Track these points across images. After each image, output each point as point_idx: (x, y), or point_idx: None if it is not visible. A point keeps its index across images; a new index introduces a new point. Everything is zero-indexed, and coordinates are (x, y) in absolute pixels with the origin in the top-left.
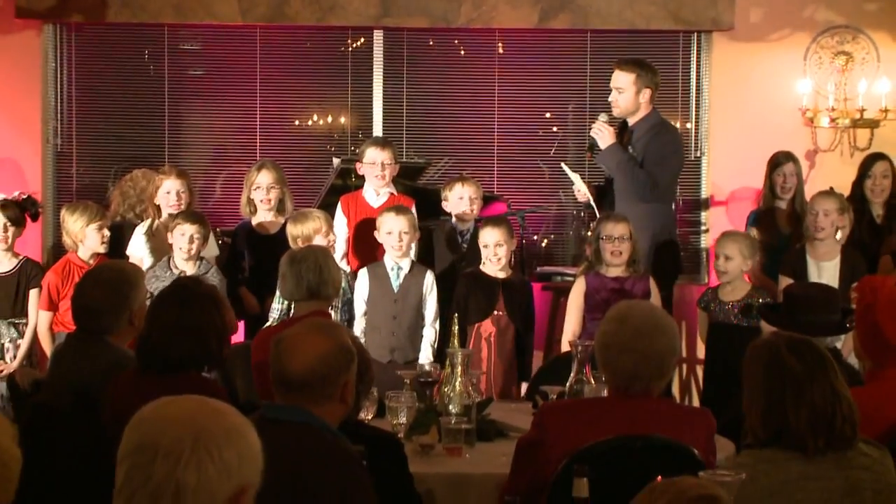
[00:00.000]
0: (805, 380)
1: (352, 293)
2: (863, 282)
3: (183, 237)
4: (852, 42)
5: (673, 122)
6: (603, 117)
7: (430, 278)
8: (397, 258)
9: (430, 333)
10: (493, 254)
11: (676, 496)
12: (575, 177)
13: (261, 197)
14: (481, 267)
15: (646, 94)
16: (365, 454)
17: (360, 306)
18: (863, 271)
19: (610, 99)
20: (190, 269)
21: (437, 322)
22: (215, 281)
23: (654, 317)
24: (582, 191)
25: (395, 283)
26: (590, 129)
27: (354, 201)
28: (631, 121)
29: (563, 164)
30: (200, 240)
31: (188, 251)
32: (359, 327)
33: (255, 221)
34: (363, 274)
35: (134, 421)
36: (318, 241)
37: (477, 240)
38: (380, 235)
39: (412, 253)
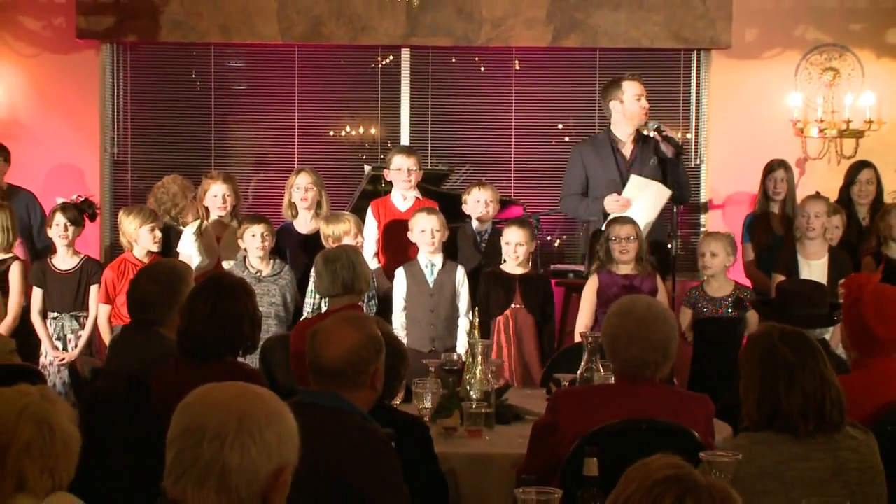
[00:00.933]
0: (797, 368)
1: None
2: (850, 279)
3: (254, 238)
4: (839, 59)
5: (674, 132)
6: (653, 125)
7: (461, 273)
8: (430, 255)
9: (464, 323)
10: (513, 251)
11: (644, 479)
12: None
13: (300, 196)
14: (501, 265)
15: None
16: (393, 436)
17: (398, 303)
18: (849, 269)
19: (641, 108)
20: (265, 267)
21: (471, 312)
22: (288, 277)
23: (655, 308)
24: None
25: (431, 279)
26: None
27: (384, 205)
28: (646, 127)
29: (633, 176)
30: (270, 237)
31: (261, 249)
32: (398, 321)
33: (295, 223)
34: (400, 273)
35: (181, 406)
36: (347, 241)
37: (495, 240)
38: (413, 235)
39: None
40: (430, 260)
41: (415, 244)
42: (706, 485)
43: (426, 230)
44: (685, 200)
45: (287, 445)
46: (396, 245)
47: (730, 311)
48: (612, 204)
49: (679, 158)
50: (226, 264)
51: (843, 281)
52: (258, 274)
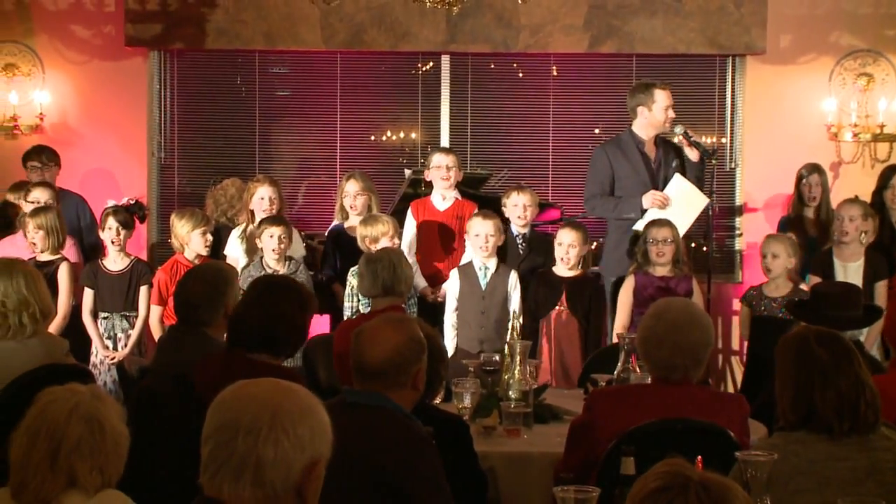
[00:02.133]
0: (832, 369)
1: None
2: None
3: (271, 239)
4: (873, 64)
5: (708, 137)
6: (680, 129)
7: (514, 277)
8: (484, 259)
9: (516, 325)
10: (565, 252)
11: (635, 494)
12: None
13: (349, 203)
14: (553, 267)
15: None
16: (434, 435)
17: (451, 303)
18: (885, 271)
19: (662, 113)
20: (281, 267)
21: (522, 316)
22: (303, 278)
23: (690, 312)
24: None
25: (483, 282)
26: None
27: (423, 206)
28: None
29: (678, 175)
30: (287, 240)
31: (278, 251)
32: (449, 322)
33: (346, 225)
34: (454, 274)
35: (216, 403)
36: (384, 242)
37: (533, 243)
38: (469, 238)
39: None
40: (484, 263)
41: (452, 244)
42: (699, 487)
43: (480, 234)
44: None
45: (320, 439)
46: (434, 244)
47: (782, 311)
48: (652, 200)
49: (703, 163)
50: (241, 264)
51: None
52: (273, 272)
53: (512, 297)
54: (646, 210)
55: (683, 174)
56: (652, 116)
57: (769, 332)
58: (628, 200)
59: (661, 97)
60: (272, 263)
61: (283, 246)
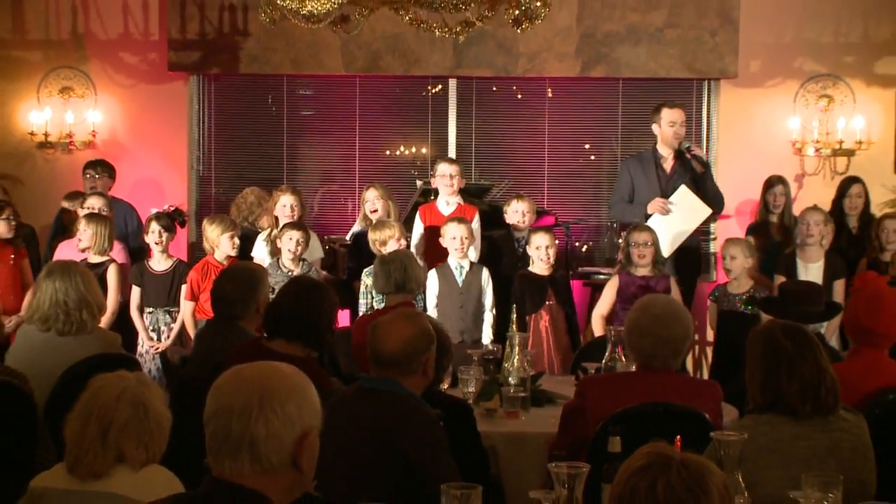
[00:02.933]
0: (796, 358)
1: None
2: (864, 274)
3: (290, 241)
4: (833, 87)
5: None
6: (685, 144)
7: (486, 274)
8: (459, 259)
9: (489, 317)
10: (544, 253)
11: (623, 472)
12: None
13: (370, 209)
14: (531, 268)
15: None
16: (442, 416)
17: (431, 300)
18: (842, 271)
19: (674, 134)
20: (295, 268)
21: (494, 308)
22: (314, 276)
23: (671, 308)
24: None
25: (460, 280)
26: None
27: (429, 210)
28: (696, 150)
29: (684, 186)
30: (304, 244)
31: (294, 252)
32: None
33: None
34: (433, 274)
35: (212, 389)
36: (392, 244)
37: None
38: (444, 241)
39: (475, 256)
40: (459, 263)
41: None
42: (678, 466)
43: (456, 237)
44: (718, 212)
45: (308, 413)
46: (434, 246)
47: (742, 307)
48: (654, 206)
49: (707, 174)
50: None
51: (858, 275)
52: (290, 273)
53: (486, 291)
54: (650, 215)
55: (699, 187)
56: (661, 133)
57: (734, 325)
58: (637, 206)
59: (667, 115)
60: (288, 264)
61: (299, 249)
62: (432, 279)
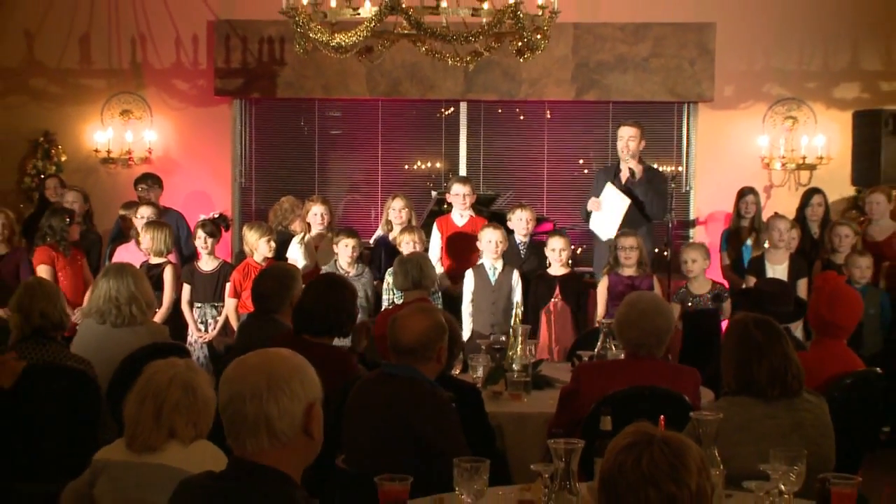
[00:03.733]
0: (766, 347)
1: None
2: (826, 274)
3: (346, 248)
4: (797, 109)
5: (668, 166)
6: (630, 163)
7: (516, 275)
8: (493, 261)
9: (518, 312)
10: (558, 255)
11: (611, 451)
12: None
13: (394, 217)
14: (548, 269)
15: (642, 143)
16: (454, 398)
17: (467, 296)
18: (804, 271)
19: (623, 147)
20: (351, 269)
21: (520, 304)
22: (368, 277)
23: (656, 303)
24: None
25: (493, 279)
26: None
27: (446, 221)
28: (631, 163)
29: (609, 185)
30: (358, 248)
31: (350, 257)
32: (466, 311)
33: (391, 236)
34: (469, 273)
35: (223, 380)
36: (412, 247)
37: (532, 249)
38: (481, 244)
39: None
40: (493, 264)
41: (471, 250)
42: (660, 443)
43: (492, 241)
44: (654, 216)
45: (309, 387)
46: (457, 252)
47: (710, 304)
48: (590, 204)
49: (649, 185)
50: (325, 267)
51: (820, 274)
52: (347, 274)
53: (515, 290)
54: (590, 212)
55: (646, 193)
56: (618, 146)
57: (696, 321)
58: (586, 204)
59: (620, 131)
60: (344, 265)
61: (354, 253)
62: (469, 278)
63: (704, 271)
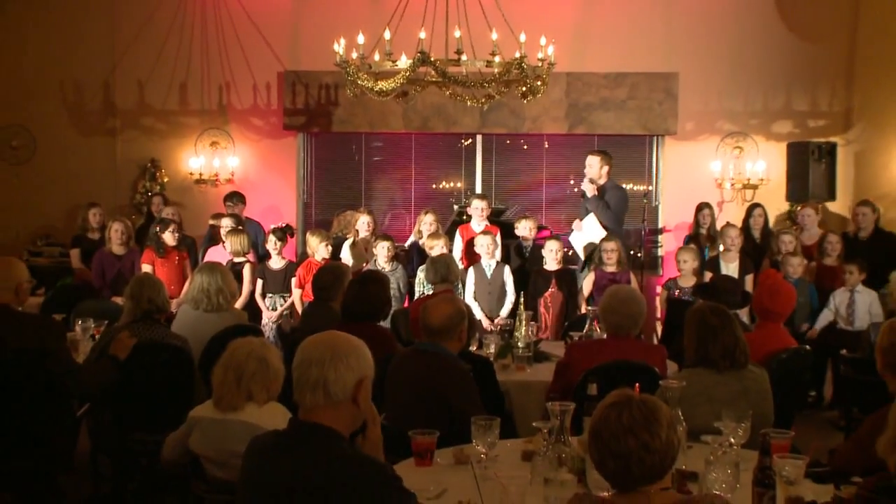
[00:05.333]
0: (719, 329)
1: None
2: (767, 271)
3: (383, 249)
4: (743, 141)
5: (641, 186)
6: (586, 184)
7: (507, 270)
8: (488, 259)
9: (510, 299)
10: (554, 255)
11: (600, 408)
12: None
13: (426, 228)
14: (544, 265)
15: (605, 168)
16: (472, 369)
17: (469, 288)
18: (751, 269)
19: (585, 171)
20: (388, 266)
21: (514, 293)
22: (400, 273)
23: (632, 294)
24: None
25: (489, 274)
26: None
27: (466, 229)
28: (587, 185)
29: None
30: (392, 249)
31: (386, 256)
32: (470, 300)
33: (421, 242)
34: (471, 271)
35: (298, 349)
36: (439, 249)
37: (535, 251)
38: (477, 248)
39: (499, 255)
40: (489, 262)
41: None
42: (637, 403)
43: (484, 245)
44: (609, 225)
45: (364, 363)
46: (475, 253)
47: (690, 296)
48: (574, 225)
49: (596, 201)
50: (350, 263)
51: (762, 272)
52: (384, 270)
53: (507, 282)
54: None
55: (597, 207)
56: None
57: (680, 308)
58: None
59: (587, 159)
60: (382, 263)
61: (390, 253)
62: (471, 274)
63: (694, 269)
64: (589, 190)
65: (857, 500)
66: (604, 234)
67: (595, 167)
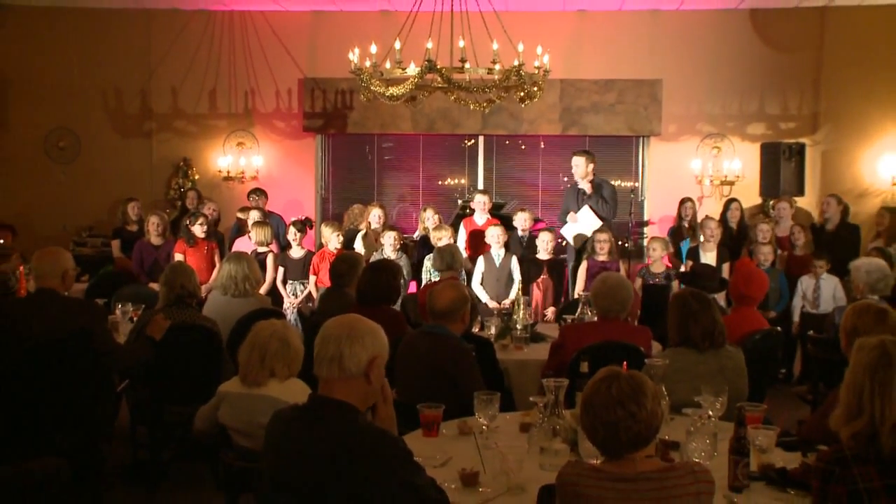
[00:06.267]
0: (699, 312)
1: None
2: (742, 259)
3: (390, 238)
4: (721, 141)
5: (629, 182)
6: (583, 185)
7: (514, 259)
8: (498, 249)
9: (516, 286)
10: (546, 245)
11: (592, 382)
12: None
13: (428, 221)
14: (537, 255)
15: (591, 166)
16: (474, 349)
17: (478, 276)
18: (727, 258)
19: (573, 170)
20: (394, 255)
21: (519, 280)
22: (404, 262)
23: (620, 280)
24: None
25: (498, 262)
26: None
27: (469, 221)
28: (584, 184)
29: (585, 207)
30: (400, 240)
31: (393, 246)
32: (478, 286)
33: (428, 234)
34: (481, 259)
35: (321, 328)
36: (445, 240)
37: (531, 241)
38: (488, 238)
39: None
40: (498, 252)
41: (486, 242)
42: (626, 377)
43: (495, 235)
44: (606, 216)
45: (377, 345)
46: (477, 243)
47: (663, 281)
48: (569, 216)
49: (600, 199)
50: (376, 254)
51: (739, 260)
52: (389, 257)
53: (514, 270)
54: (566, 223)
55: (597, 202)
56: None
57: (652, 293)
58: (565, 214)
59: (573, 160)
60: (389, 252)
61: (397, 243)
62: (480, 262)
63: (662, 258)
64: (587, 188)
65: (814, 472)
66: (597, 225)
67: (581, 166)
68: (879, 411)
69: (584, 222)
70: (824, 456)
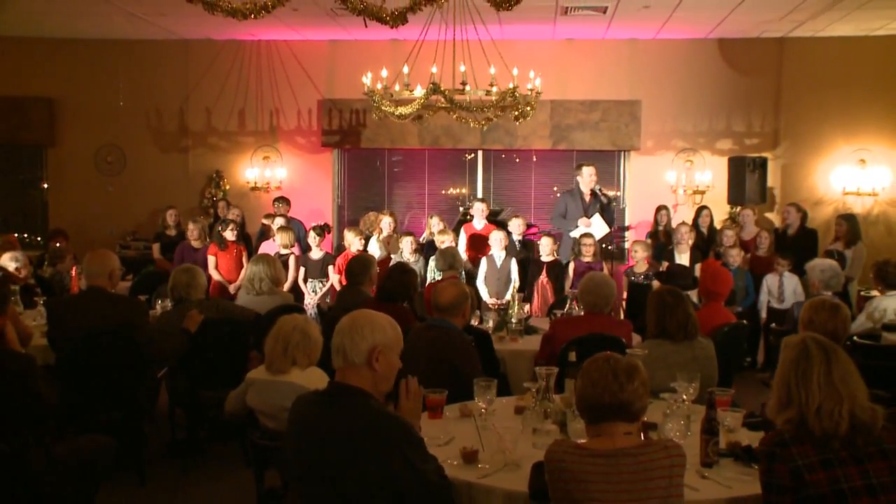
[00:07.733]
0: (674, 307)
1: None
2: (709, 260)
3: (407, 243)
4: (693, 155)
5: (612, 191)
6: (597, 187)
7: (514, 260)
8: (499, 251)
9: (514, 285)
10: (547, 250)
11: (586, 366)
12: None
13: (434, 227)
14: (539, 257)
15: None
16: (474, 340)
17: (481, 276)
18: (699, 259)
19: (589, 179)
20: (412, 257)
21: (517, 280)
22: (421, 264)
23: (604, 278)
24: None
25: (499, 263)
26: (599, 200)
27: (469, 226)
28: (589, 186)
29: (597, 215)
30: (415, 244)
31: (411, 250)
32: (482, 284)
33: (433, 238)
34: (484, 260)
35: (337, 325)
36: (448, 243)
37: (525, 245)
38: (491, 241)
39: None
40: (499, 254)
41: (485, 245)
42: (624, 360)
43: (498, 239)
44: (611, 226)
45: (377, 335)
46: (476, 246)
47: (645, 280)
48: (583, 221)
49: (609, 205)
50: (394, 256)
51: (705, 262)
52: (409, 261)
53: (512, 270)
54: (578, 227)
55: (602, 213)
56: (583, 180)
57: (636, 291)
58: (572, 221)
59: (587, 170)
60: (407, 255)
61: (413, 247)
62: (483, 263)
63: (645, 258)
64: (608, 196)
65: (759, 454)
66: (606, 230)
67: (594, 175)
68: (805, 399)
69: (596, 228)
70: (766, 440)
